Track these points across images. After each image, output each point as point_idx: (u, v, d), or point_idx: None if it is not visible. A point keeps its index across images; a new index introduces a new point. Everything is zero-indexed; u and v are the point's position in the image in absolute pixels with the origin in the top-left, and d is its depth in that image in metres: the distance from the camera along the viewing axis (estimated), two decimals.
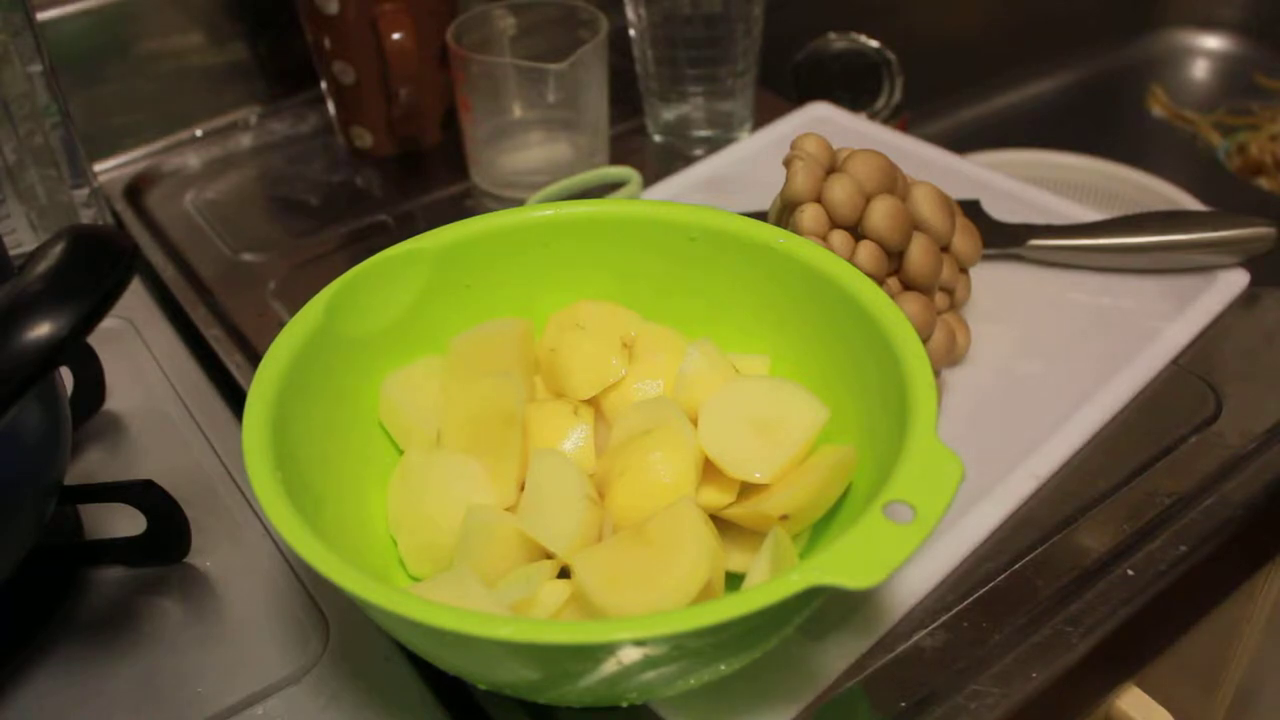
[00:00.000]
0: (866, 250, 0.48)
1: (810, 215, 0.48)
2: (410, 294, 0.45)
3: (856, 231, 0.48)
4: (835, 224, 0.48)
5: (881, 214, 0.48)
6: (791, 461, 0.40)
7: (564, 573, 0.40)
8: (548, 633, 0.31)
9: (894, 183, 0.49)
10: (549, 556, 0.40)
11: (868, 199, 0.48)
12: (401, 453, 0.45)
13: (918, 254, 0.49)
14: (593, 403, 0.45)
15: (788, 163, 0.49)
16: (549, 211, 0.47)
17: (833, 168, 0.49)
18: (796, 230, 0.48)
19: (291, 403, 0.40)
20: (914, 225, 0.49)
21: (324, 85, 0.73)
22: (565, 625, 0.31)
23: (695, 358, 0.44)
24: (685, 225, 0.46)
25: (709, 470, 0.41)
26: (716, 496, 0.42)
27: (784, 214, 0.50)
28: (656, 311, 0.47)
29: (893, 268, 0.49)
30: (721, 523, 0.41)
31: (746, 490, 0.42)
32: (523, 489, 0.42)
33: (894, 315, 0.40)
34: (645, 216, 0.47)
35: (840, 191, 0.48)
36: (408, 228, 0.67)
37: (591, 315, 0.47)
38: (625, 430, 0.43)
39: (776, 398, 0.42)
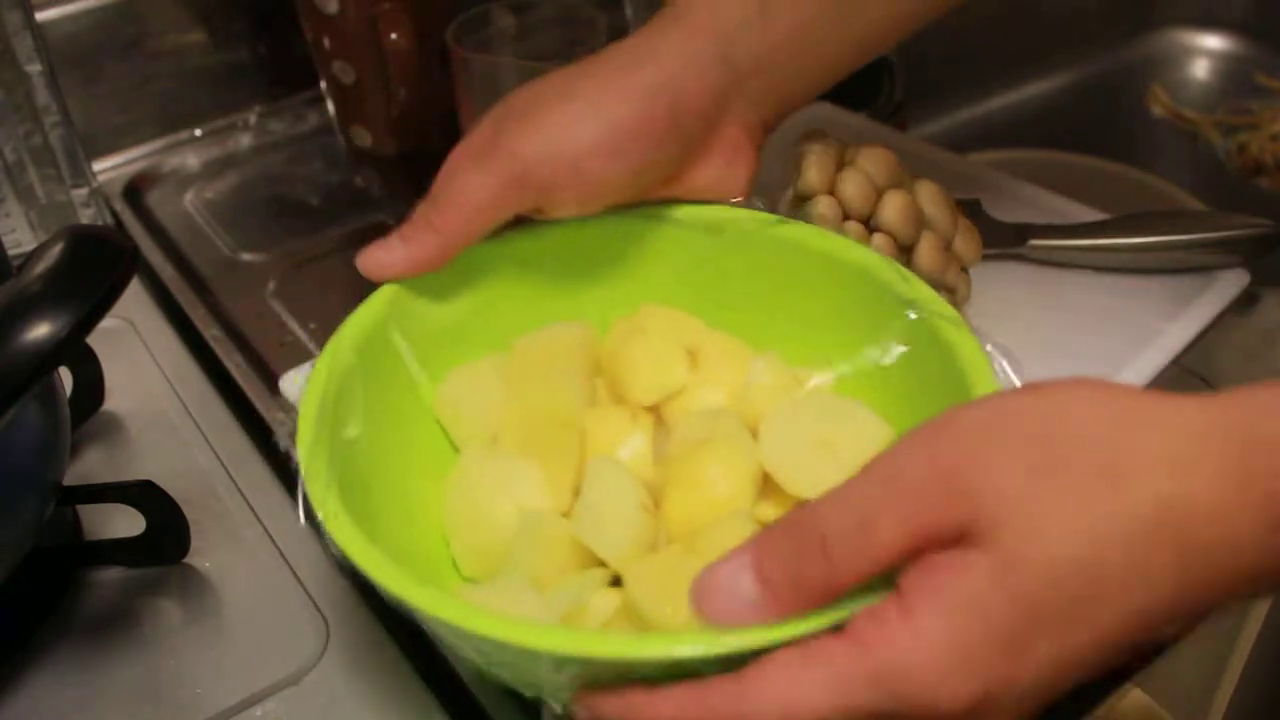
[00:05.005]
0: (881, 242, 0.48)
1: (825, 206, 0.48)
2: (475, 293, 0.45)
3: (869, 225, 0.49)
4: (848, 216, 0.48)
5: (894, 208, 0.48)
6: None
7: (615, 579, 0.39)
8: (614, 648, 0.30)
9: (901, 179, 0.49)
10: (602, 564, 0.39)
11: (879, 193, 0.48)
12: (457, 450, 0.44)
13: (926, 251, 0.49)
14: (654, 410, 0.44)
15: (799, 156, 0.49)
16: (622, 216, 0.46)
17: (841, 164, 0.49)
18: (809, 221, 0.47)
19: (349, 394, 0.39)
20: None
21: (324, 85, 0.73)
22: (633, 640, 0.31)
23: (761, 370, 0.43)
24: (763, 235, 0.45)
25: (768, 484, 0.41)
26: (773, 511, 0.41)
27: (796, 206, 0.50)
28: (723, 320, 0.46)
29: (902, 263, 0.49)
30: None
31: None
32: (578, 494, 0.41)
33: (974, 352, 0.39)
34: (724, 220, 0.46)
35: (852, 185, 0.48)
36: None
37: (656, 321, 0.46)
38: (684, 439, 0.42)
39: (840, 416, 0.40)
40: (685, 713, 0.29)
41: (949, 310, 0.40)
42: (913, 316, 0.41)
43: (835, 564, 0.28)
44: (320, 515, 0.34)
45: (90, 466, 0.52)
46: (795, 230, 0.45)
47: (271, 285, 0.62)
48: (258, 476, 0.51)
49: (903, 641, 0.27)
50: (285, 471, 0.49)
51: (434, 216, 0.41)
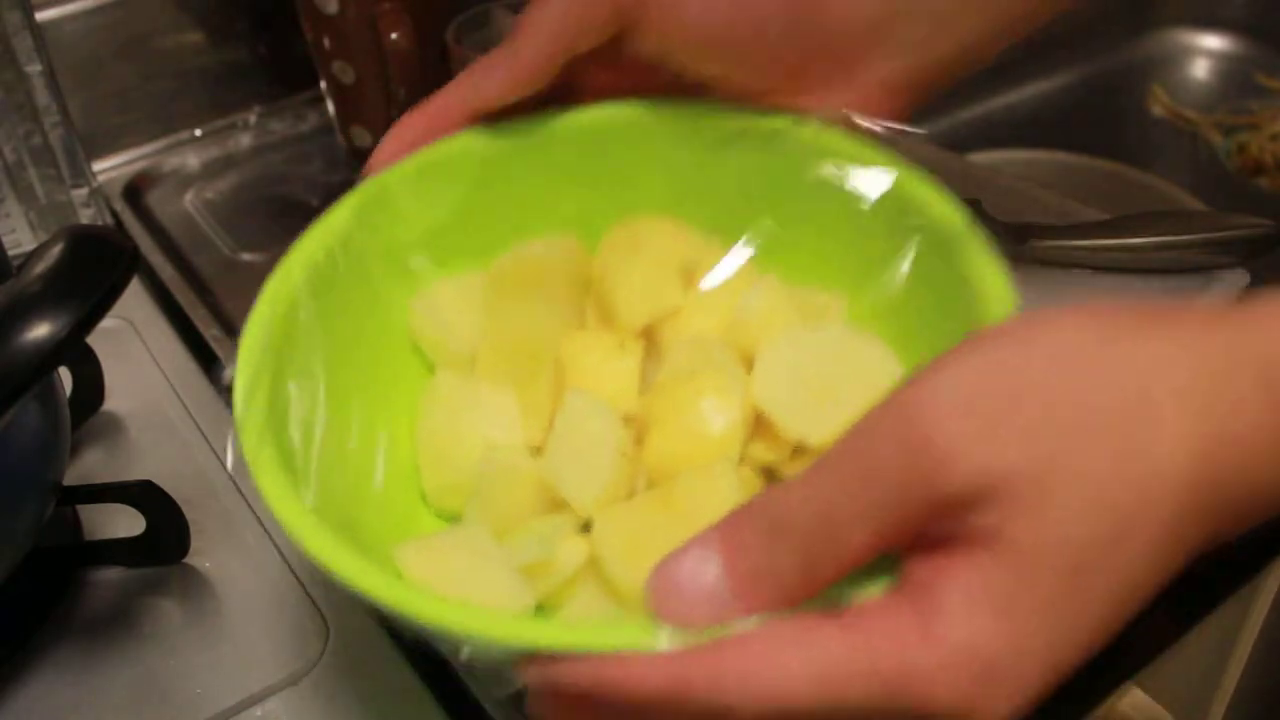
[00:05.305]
0: None
1: None
2: (453, 200, 0.40)
3: None
4: None
5: None
6: (850, 423, 0.35)
7: (588, 523, 0.36)
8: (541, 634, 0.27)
9: None
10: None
11: None
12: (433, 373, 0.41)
13: None
14: (646, 335, 0.40)
15: None
16: (614, 109, 0.41)
17: None
18: None
19: (305, 324, 0.36)
20: None
21: (324, 85, 0.73)
22: (570, 629, 0.27)
23: (758, 295, 0.39)
24: (780, 139, 0.40)
25: (760, 423, 0.37)
26: (766, 453, 0.37)
27: None
28: (729, 231, 0.41)
29: None
30: (774, 477, 0.37)
31: (803, 447, 0.37)
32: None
33: (993, 276, 0.35)
34: (743, 125, 0.40)
35: None
36: None
37: (651, 234, 0.41)
38: (671, 369, 0.38)
39: (843, 348, 0.36)
40: (663, 694, 0.25)
41: (972, 233, 0.36)
42: (927, 238, 0.37)
43: (811, 559, 0.26)
44: (250, 466, 0.31)
45: (90, 466, 0.52)
46: (814, 133, 0.40)
47: None
48: None
49: (914, 641, 0.25)
50: None
51: (525, 23, 0.38)
